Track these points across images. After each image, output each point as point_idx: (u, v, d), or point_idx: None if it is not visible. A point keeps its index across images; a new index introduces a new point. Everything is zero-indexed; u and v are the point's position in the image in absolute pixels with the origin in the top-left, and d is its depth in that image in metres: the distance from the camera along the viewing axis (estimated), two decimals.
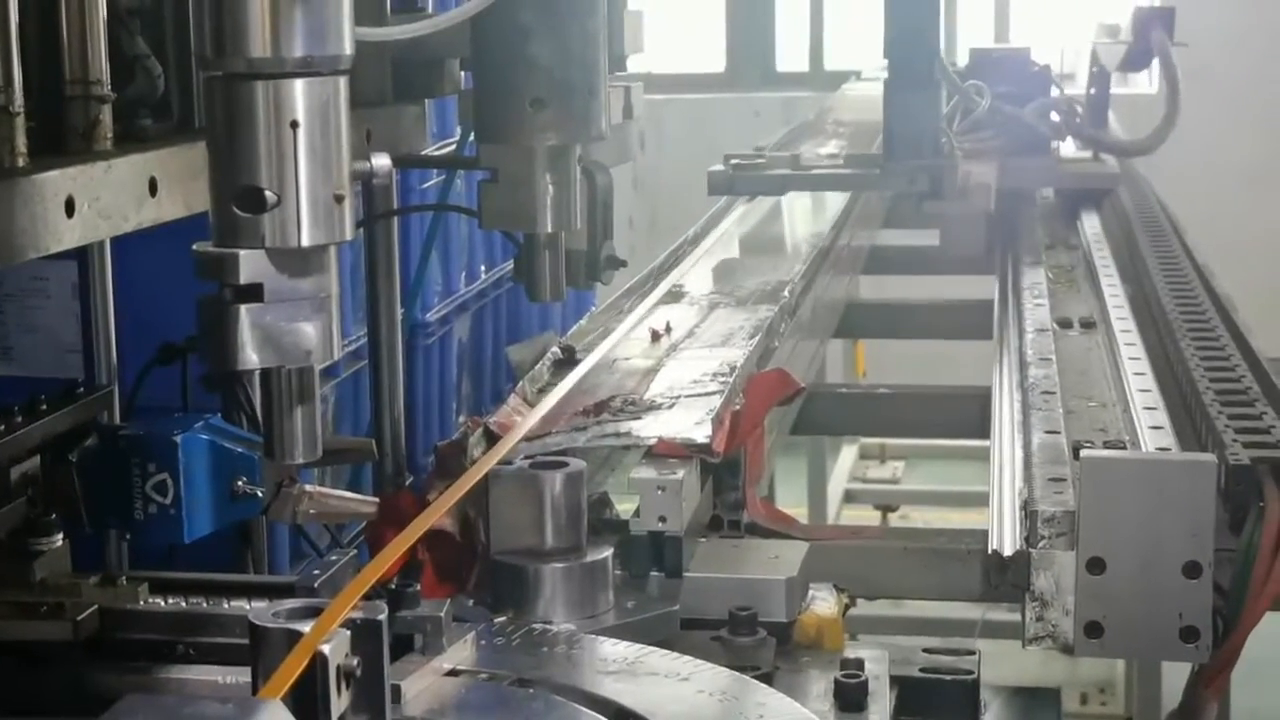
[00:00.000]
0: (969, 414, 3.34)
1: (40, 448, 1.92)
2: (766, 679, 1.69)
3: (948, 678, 1.80)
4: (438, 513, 1.69)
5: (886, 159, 3.48)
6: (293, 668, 1.28)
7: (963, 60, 5.04)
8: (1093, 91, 4.96)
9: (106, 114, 1.68)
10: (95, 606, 1.64)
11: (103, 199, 1.60)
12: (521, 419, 1.98)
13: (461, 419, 4.27)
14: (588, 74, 1.78)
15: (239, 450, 1.89)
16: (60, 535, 1.71)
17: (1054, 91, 4.79)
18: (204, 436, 1.89)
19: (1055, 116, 4.71)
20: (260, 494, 1.88)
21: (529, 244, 1.88)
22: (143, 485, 1.88)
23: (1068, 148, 4.85)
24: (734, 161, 3.68)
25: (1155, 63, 4.68)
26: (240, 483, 1.88)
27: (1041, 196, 4.67)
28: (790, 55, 9.22)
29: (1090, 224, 4.08)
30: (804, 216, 4.15)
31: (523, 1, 1.75)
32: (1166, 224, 3.86)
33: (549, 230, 1.83)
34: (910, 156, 3.50)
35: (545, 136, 1.79)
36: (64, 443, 1.94)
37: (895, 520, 7.12)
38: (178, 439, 1.87)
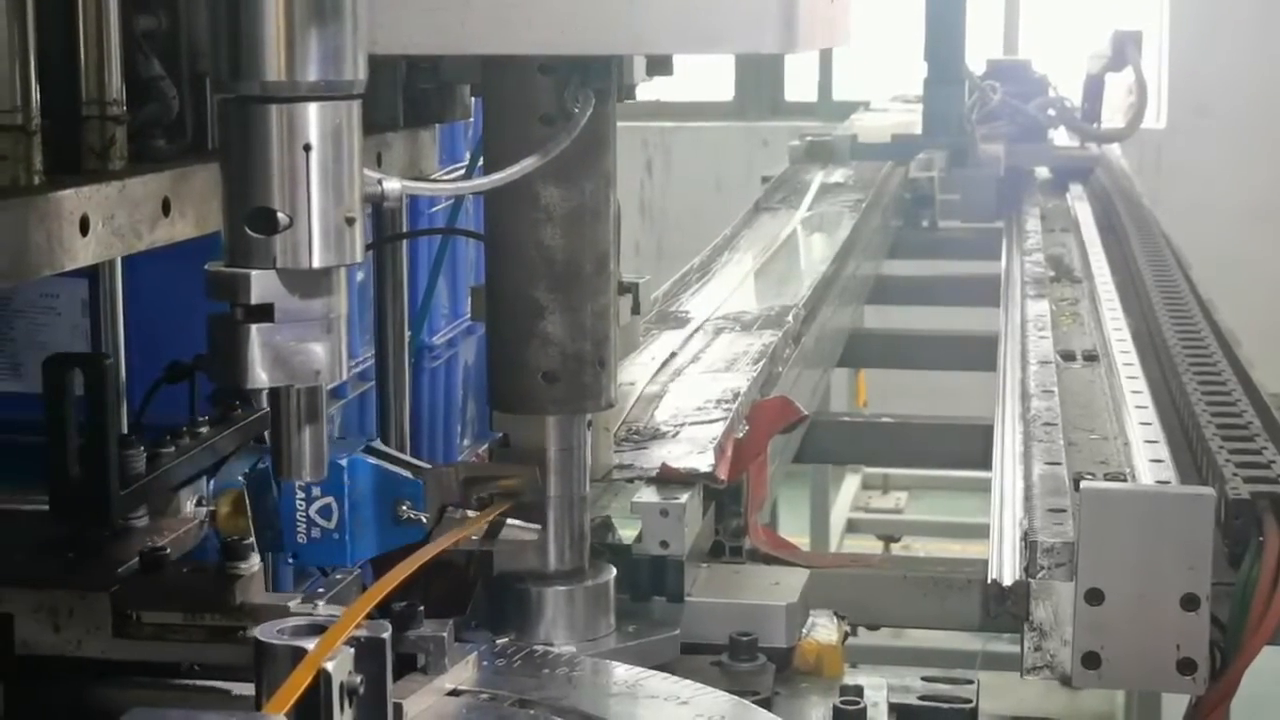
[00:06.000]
0: (972, 445, 3.35)
1: (208, 469, 1.93)
2: (766, 704, 1.70)
3: (946, 706, 1.80)
4: (447, 541, 1.70)
5: (925, 135, 4.96)
6: (297, 684, 1.29)
7: (977, 68, 6.13)
8: (1085, 106, 6.20)
9: (121, 134, 1.69)
10: None
11: (117, 218, 1.62)
12: None
13: (467, 442, 4.29)
14: (598, 348, 1.83)
15: (404, 474, 1.83)
16: (257, 559, 1.70)
17: (1050, 93, 6.17)
18: (370, 460, 1.83)
19: (1051, 112, 6.10)
20: (425, 519, 1.85)
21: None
22: (307, 508, 1.86)
23: (1061, 137, 6.21)
24: (809, 139, 5.48)
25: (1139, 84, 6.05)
26: (404, 507, 1.85)
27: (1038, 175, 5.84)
28: (799, 85, 9.24)
29: (1075, 190, 5.38)
30: (809, 247, 4.16)
31: (537, 281, 1.79)
32: (1170, 257, 3.88)
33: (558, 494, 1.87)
34: (942, 133, 5.07)
35: (555, 408, 1.83)
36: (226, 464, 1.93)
37: (898, 551, 7.11)
38: (343, 462, 1.85)
